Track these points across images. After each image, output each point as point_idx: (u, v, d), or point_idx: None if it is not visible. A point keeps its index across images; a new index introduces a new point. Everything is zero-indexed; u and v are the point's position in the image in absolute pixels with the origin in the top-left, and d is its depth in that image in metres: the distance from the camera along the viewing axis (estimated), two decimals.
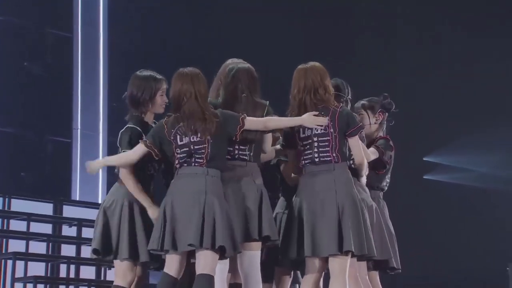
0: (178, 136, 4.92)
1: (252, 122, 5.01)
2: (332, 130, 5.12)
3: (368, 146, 5.69)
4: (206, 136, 4.88)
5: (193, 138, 4.89)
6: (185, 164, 4.92)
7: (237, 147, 5.09)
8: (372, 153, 5.65)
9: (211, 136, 4.88)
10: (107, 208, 5.16)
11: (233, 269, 5.14)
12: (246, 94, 5.16)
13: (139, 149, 5.00)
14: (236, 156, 5.08)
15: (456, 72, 12.38)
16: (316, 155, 5.12)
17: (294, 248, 5.07)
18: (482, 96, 12.11)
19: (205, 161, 4.89)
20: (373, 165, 5.67)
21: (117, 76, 11.75)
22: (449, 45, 12.74)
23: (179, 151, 4.92)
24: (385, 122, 6.02)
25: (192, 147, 4.89)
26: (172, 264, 4.90)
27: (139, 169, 5.12)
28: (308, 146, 5.16)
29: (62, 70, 11.69)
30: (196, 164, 4.89)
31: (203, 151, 4.89)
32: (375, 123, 5.95)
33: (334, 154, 5.11)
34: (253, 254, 5.05)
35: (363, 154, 5.27)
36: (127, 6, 12.25)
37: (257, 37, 12.11)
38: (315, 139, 5.14)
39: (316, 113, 5.11)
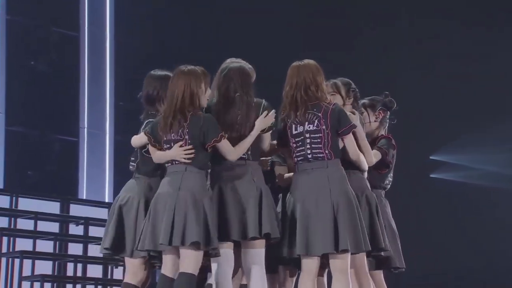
0: (162, 132, 5.02)
1: (223, 146, 4.99)
2: (324, 127, 5.12)
3: (370, 145, 5.66)
4: (184, 136, 4.94)
5: (173, 136, 4.98)
6: (169, 164, 5.01)
7: None
8: (375, 156, 5.64)
9: (189, 136, 4.95)
10: (123, 205, 5.21)
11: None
12: (240, 94, 5.14)
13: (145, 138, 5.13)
14: None
15: (456, 72, 12.42)
16: (308, 151, 5.14)
17: (285, 247, 5.09)
18: (482, 96, 12.14)
19: None
20: (375, 165, 5.67)
21: (123, 75, 11.84)
22: (449, 45, 12.79)
23: (164, 146, 5.02)
24: (386, 121, 6.03)
25: (172, 145, 4.97)
26: (167, 264, 4.93)
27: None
28: (300, 143, 5.18)
29: (68, 69, 11.69)
30: (177, 162, 4.98)
31: None
32: (374, 121, 5.96)
33: (326, 151, 5.12)
34: (256, 252, 5.05)
35: (358, 151, 5.28)
36: (132, 5, 12.31)
37: (256, 38, 12.11)
38: (307, 135, 5.15)
39: (272, 111, 5.16)
